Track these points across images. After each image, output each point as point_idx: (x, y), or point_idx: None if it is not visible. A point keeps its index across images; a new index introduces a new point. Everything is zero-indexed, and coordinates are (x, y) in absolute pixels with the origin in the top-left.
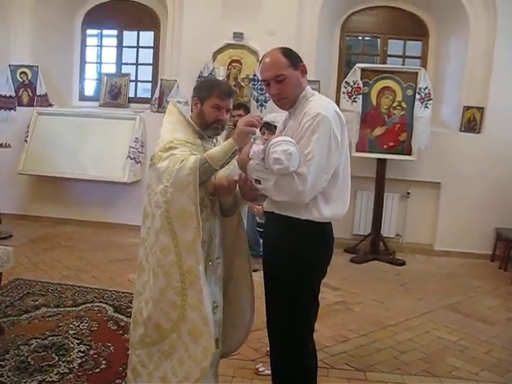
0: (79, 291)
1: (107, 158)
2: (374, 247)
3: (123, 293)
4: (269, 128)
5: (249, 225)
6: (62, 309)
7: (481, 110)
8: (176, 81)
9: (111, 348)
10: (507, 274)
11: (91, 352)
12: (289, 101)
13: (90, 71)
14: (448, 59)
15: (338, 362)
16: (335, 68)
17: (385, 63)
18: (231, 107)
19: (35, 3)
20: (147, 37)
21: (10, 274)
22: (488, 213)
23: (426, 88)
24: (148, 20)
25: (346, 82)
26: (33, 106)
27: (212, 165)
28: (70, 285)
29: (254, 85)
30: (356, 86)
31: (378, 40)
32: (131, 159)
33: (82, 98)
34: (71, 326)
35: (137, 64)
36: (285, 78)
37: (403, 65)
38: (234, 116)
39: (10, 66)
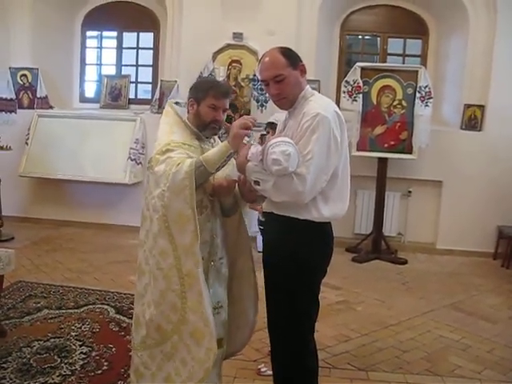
0: (81, 293)
1: (108, 159)
2: (376, 246)
3: (125, 294)
4: (274, 128)
5: None
6: (63, 311)
7: (481, 107)
8: (176, 82)
9: (113, 349)
10: (509, 272)
11: (93, 354)
12: (288, 100)
13: (91, 73)
14: (448, 57)
15: (340, 362)
16: (335, 67)
17: (385, 62)
18: (228, 107)
19: (35, 5)
20: (147, 38)
21: (12, 277)
22: (490, 211)
23: (426, 86)
24: (148, 21)
25: (346, 81)
26: (33, 108)
27: (207, 168)
28: (72, 287)
29: (254, 85)
30: (356, 85)
31: (378, 39)
32: (132, 160)
33: (83, 99)
34: (73, 327)
35: (137, 65)
36: (284, 77)
37: (403, 63)
38: None
39: (10, 68)
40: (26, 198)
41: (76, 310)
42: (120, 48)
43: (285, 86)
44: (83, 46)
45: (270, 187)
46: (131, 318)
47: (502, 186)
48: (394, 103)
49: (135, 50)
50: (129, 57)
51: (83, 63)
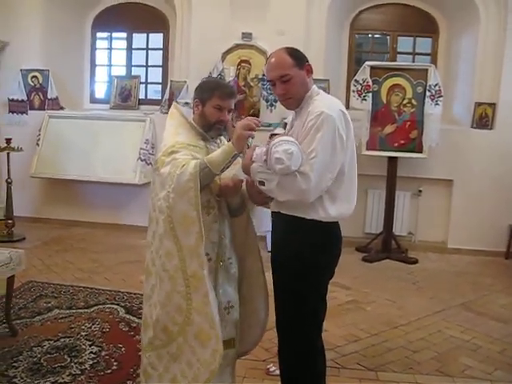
0: (91, 293)
1: (118, 160)
2: (386, 246)
3: (135, 294)
4: None
5: None
6: (74, 310)
7: (492, 105)
8: (185, 82)
9: (123, 349)
10: None
11: (103, 353)
12: (294, 100)
13: (101, 74)
14: (459, 55)
15: (349, 362)
16: (345, 66)
17: (394, 61)
18: (233, 107)
19: (45, 7)
20: (156, 39)
21: (23, 277)
22: (501, 209)
23: (436, 85)
24: (157, 22)
25: (356, 81)
26: (44, 109)
27: (212, 169)
28: (83, 286)
29: (264, 85)
30: (365, 84)
31: (388, 37)
32: (142, 161)
33: (93, 100)
34: (83, 327)
35: (146, 66)
36: (290, 78)
37: (413, 62)
38: None
39: (21, 70)
40: (37, 199)
41: (86, 310)
42: (130, 49)
43: (291, 86)
44: (93, 48)
45: (275, 187)
46: (141, 318)
47: None
48: (404, 102)
49: (145, 51)
50: (138, 57)
51: (93, 64)
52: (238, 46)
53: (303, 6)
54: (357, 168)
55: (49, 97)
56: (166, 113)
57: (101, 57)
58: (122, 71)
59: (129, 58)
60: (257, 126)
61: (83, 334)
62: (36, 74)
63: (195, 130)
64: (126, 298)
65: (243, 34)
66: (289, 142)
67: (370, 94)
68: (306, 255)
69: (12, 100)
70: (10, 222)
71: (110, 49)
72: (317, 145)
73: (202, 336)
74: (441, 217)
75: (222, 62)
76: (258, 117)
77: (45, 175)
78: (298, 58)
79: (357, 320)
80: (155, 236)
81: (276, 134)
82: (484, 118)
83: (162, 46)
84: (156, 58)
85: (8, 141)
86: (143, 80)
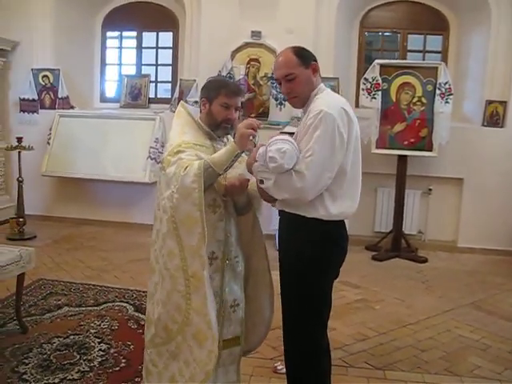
0: (101, 291)
1: (128, 158)
2: (396, 244)
3: (144, 292)
4: None
5: None
6: (83, 308)
7: (503, 103)
8: (195, 81)
9: (131, 347)
10: None
11: (111, 351)
12: (300, 99)
13: (111, 73)
14: (469, 53)
15: (357, 361)
16: (354, 64)
17: (405, 58)
18: (240, 106)
19: (56, 7)
20: (166, 38)
21: (33, 274)
22: None
23: (446, 83)
24: (167, 21)
25: (365, 79)
26: (55, 108)
27: (215, 169)
28: (92, 284)
29: (273, 83)
30: (375, 82)
31: (398, 35)
32: (152, 159)
33: (103, 99)
34: (92, 324)
35: (156, 65)
36: (295, 76)
37: (423, 60)
38: None
39: (32, 69)
40: (48, 197)
41: (95, 308)
42: (140, 48)
43: (295, 85)
44: (103, 47)
45: (272, 185)
46: None
47: None
48: (414, 100)
49: (155, 50)
50: (148, 56)
51: (103, 63)
52: (247, 45)
53: (312, 4)
54: (366, 166)
55: (59, 96)
56: None
57: (111, 56)
58: (132, 70)
59: (139, 56)
60: (258, 127)
61: (92, 331)
62: (47, 73)
63: (202, 129)
64: (134, 295)
65: (252, 32)
66: (283, 141)
67: (380, 93)
68: (307, 254)
69: (23, 99)
70: (21, 220)
71: (120, 48)
72: (314, 143)
73: (200, 336)
74: (451, 215)
75: (232, 60)
76: (267, 115)
77: (55, 174)
78: (303, 56)
79: (365, 319)
80: (159, 234)
81: (285, 133)
82: (495, 115)
83: (171, 45)
84: (166, 56)
85: (19, 140)
86: (153, 79)
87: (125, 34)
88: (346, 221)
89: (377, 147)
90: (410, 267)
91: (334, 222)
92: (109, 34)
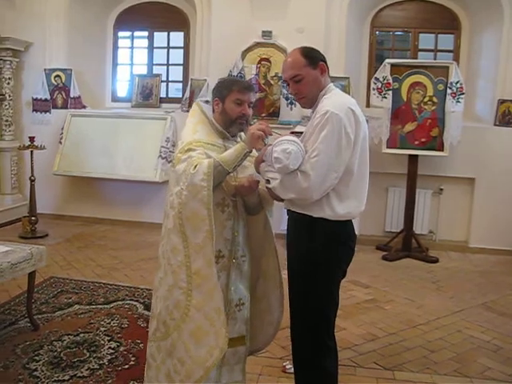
0: (111, 289)
1: (139, 157)
2: (406, 244)
3: None
4: None
5: None
6: (93, 306)
7: None
8: (206, 80)
9: (141, 345)
10: None
11: (121, 349)
12: (308, 99)
13: (122, 73)
14: (481, 52)
15: (367, 361)
16: (365, 64)
17: (416, 58)
18: (253, 101)
19: (68, 8)
20: (177, 37)
21: (45, 272)
22: None
23: (457, 82)
24: (178, 21)
25: (376, 78)
26: (67, 108)
27: (225, 167)
28: (103, 283)
29: (284, 83)
30: (386, 81)
31: (409, 34)
32: (162, 159)
33: (115, 99)
34: (102, 323)
35: (167, 64)
36: (302, 78)
37: (435, 59)
38: None
39: (44, 70)
40: (60, 196)
41: (106, 306)
42: (151, 47)
43: (303, 86)
44: (115, 47)
45: (278, 185)
46: None
47: None
48: (425, 100)
49: (166, 50)
50: (160, 56)
51: (115, 63)
52: (258, 44)
53: (323, 3)
54: (377, 166)
55: (71, 96)
56: (187, 111)
57: (122, 55)
58: (144, 70)
59: (150, 56)
60: (268, 133)
61: (102, 329)
62: (59, 73)
63: (215, 128)
64: (144, 294)
65: (263, 32)
66: (289, 142)
67: (391, 92)
68: (313, 253)
69: (36, 99)
70: (33, 218)
71: (132, 47)
72: (320, 143)
73: (199, 333)
74: (462, 215)
75: (242, 60)
76: (278, 115)
77: (67, 173)
78: (311, 57)
79: (375, 319)
80: (166, 230)
81: (296, 132)
82: (507, 115)
83: (182, 45)
84: (177, 56)
85: (31, 139)
86: (164, 78)
87: (136, 33)
88: (356, 220)
89: (388, 147)
90: (421, 267)
91: (341, 222)
92: (120, 33)
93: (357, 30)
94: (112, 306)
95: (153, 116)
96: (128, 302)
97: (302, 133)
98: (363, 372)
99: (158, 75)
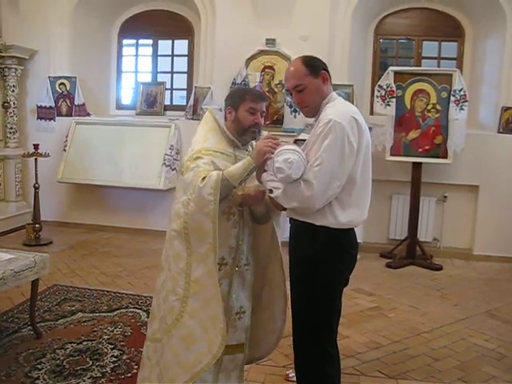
0: (114, 297)
1: (143, 165)
2: (411, 252)
3: None
4: None
5: None
6: (97, 314)
7: None
8: (210, 88)
9: None
10: None
11: (124, 357)
12: (311, 108)
13: (127, 80)
14: (485, 59)
15: (370, 369)
16: (369, 71)
17: (420, 65)
18: (265, 110)
19: (73, 16)
20: (181, 45)
21: (48, 280)
22: None
23: (461, 90)
24: (182, 29)
25: (379, 86)
26: (71, 115)
27: (231, 181)
28: (106, 291)
29: (287, 92)
30: (389, 89)
31: (413, 42)
32: (166, 166)
33: (119, 106)
34: (105, 331)
35: (172, 72)
36: (304, 87)
37: (438, 67)
38: None
39: (49, 77)
40: (64, 204)
41: (109, 314)
42: (155, 55)
43: (305, 96)
44: (120, 54)
45: (281, 194)
46: None
47: None
48: (428, 107)
49: (170, 58)
50: (164, 64)
51: (119, 71)
52: (261, 52)
53: (327, 11)
54: (381, 173)
55: (76, 103)
56: (191, 119)
57: (127, 63)
58: (148, 77)
59: (154, 64)
60: (276, 145)
61: (105, 337)
62: (64, 81)
63: (226, 136)
64: (148, 302)
65: (267, 40)
66: (290, 151)
67: (394, 100)
68: (315, 261)
69: (40, 107)
70: (37, 226)
71: (136, 55)
72: (323, 152)
73: (190, 339)
74: (466, 223)
75: (246, 68)
76: (282, 123)
77: (71, 180)
78: (313, 66)
79: (379, 327)
80: (170, 235)
81: (300, 140)
82: (511, 122)
83: (187, 53)
84: (181, 64)
85: (36, 146)
86: (168, 86)
87: (141, 41)
88: (360, 228)
89: (391, 154)
90: (425, 275)
91: (343, 230)
92: (125, 41)
93: (361, 37)
94: (115, 313)
95: (157, 124)
96: (131, 309)
97: (305, 140)
98: (367, 380)
99: (163, 83)
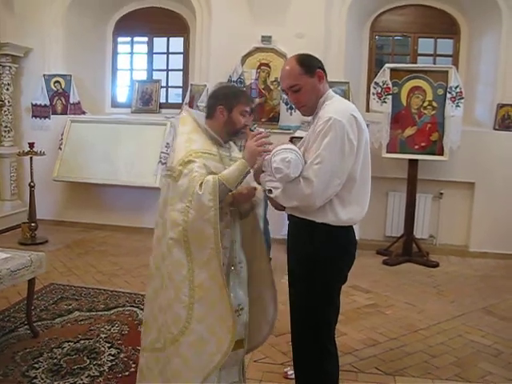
0: (111, 295)
1: (139, 163)
2: (407, 249)
3: None
4: None
5: None
6: (94, 313)
7: None
8: (205, 85)
9: None
10: None
11: (121, 355)
12: (308, 107)
13: (122, 78)
14: (480, 56)
15: (367, 366)
16: (365, 68)
17: (415, 62)
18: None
19: (68, 14)
20: (177, 43)
21: (44, 279)
22: None
23: (457, 87)
24: (177, 26)
25: (375, 83)
26: (66, 114)
27: (227, 186)
28: (103, 289)
29: (283, 91)
30: (385, 86)
31: (409, 39)
32: (162, 164)
33: (115, 104)
34: (103, 329)
35: (167, 70)
36: (299, 87)
37: (434, 64)
38: None
39: (44, 75)
40: (60, 202)
41: (106, 312)
42: (151, 53)
43: (301, 96)
44: (115, 52)
45: (280, 193)
46: None
47: None
48: (425, 104)
49: (165, 55)
50: (159, 62)
51: (115, 69)
52: (257, 50)
53: (322, 8)
54: (377, 171)
55: (71, 101)
56: None
57: (122, 61)
58: (143, 75)
59: (150, 62)
60: (268, 143)
61: (103, 336)
62: (58, 79)
63: (209, 136)
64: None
65: (263, 37)
66: (287, 151)
67: (390, 97)
68: (315, 258)
69: (35, 105)
70: (33, 225)
71: (132, 53)
72: (323, 150)
73: (199, 343)
74: (462, 220)
75: (242, 65)
76: (278, 120)
77: (67, 179)
78: (307, 65)
79: (376, 324)
80: (161, 242)
81: (296, 137)
82: (506, 119)
83: (182, 50)
84: (176, 61)
85: (31, 145)
86: (164, 84)
87: (136, 39)
88: (356, 225)
89: (387, 151)
90: (422, 272)
91: (343, 227)
92: (120, 39)
93: (356, 34)
94: (112, 312)
95: (153, 122)
96: (128, 308)
97: (302, 138)
98: (364, 377)
99: (158, 81)
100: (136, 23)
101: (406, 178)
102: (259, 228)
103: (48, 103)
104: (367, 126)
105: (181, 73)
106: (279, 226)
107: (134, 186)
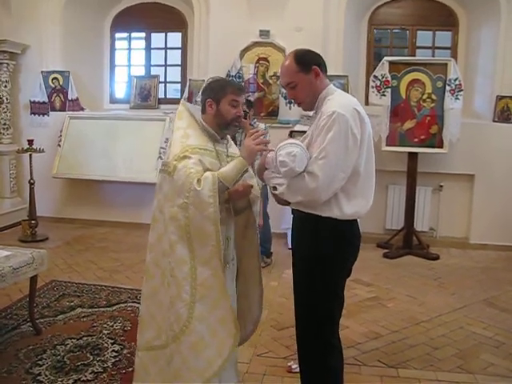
0: (113, 292)
1: (138, 159)
2: (407, 242)
3: None
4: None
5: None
6: (96, 309)
7: None
8: (204, 81)
9: None
10: None
11: (124, 351)
12: (306, 103)
13: (120, 74)
14: (479, 48)
15: (370, 359)
16: (364, 62)
17: (414, 55)
18: (244, 102)
19: (65, 10)
20: (175, 38)
21: (46, 276)
22: None
23: (456, 79)
24: (175, 21)
25: (374, 76)
26: (65, 110)
27: (225, 184)
28: (104, 285)
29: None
30: (384, 79)
31: (407, 32)
32: (162, 159)
33: (113, 100)
34: (105, 326)
35: (165, 65)
36: (295, 84)
37: (433, 56)
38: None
39: (42, 72)
40: (60, 199)
41: (108, 309)
42: (149, 49)
43: (298, 92)
44: (112, 48)
45: (285, 189)
46: None
47: None
48: (424, 97)
49: (164, 51)
50: (157, 57)
51: (113, 65)
52: (255, 44)
53: (321, 2)
54: (377, 164)
55: (69, 98)
56: None
57: (120, 57)
58: (141, 71)
59: (148, 57)
60: (267, 142)
61: (105, 332)
62: (56, 75)
63: (205, 131)
64: None
65: (261, 31)
66: (292, 145)
67: (389, 90)
68: (320, 253)
69: (33, 102)
70: (33, 222)
71: (129, 49)
72: (327, 144)
73: (199, 346)
74: (462, 212)
75: (241, 59)
76: (277, 114)
77: (66, 176)
78: (303, 63)
79: (378, 317)
80: (163, 239)
81: (296, 131)
82: (506, 111)
83: (180, 45)
84: (175, 57)
85: (30, 142)
86: (162, 79)
87: (133, 35)
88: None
89: (387, 144)
90: (422, 264)
91: (348, 221)
92: (117, 35)
93: (354, 28)
94: (114, 308)
95: (151, 117)
96: (130, 304)
97: (301, 132)
98: (367, 370)
99: (156, 76)
100: (133, 19)
101: (406, 171)
102: (254, 225)
103: (46, 100)
104: None
105: (179, 68)
106: (279, 220)
107: (134, 182)
